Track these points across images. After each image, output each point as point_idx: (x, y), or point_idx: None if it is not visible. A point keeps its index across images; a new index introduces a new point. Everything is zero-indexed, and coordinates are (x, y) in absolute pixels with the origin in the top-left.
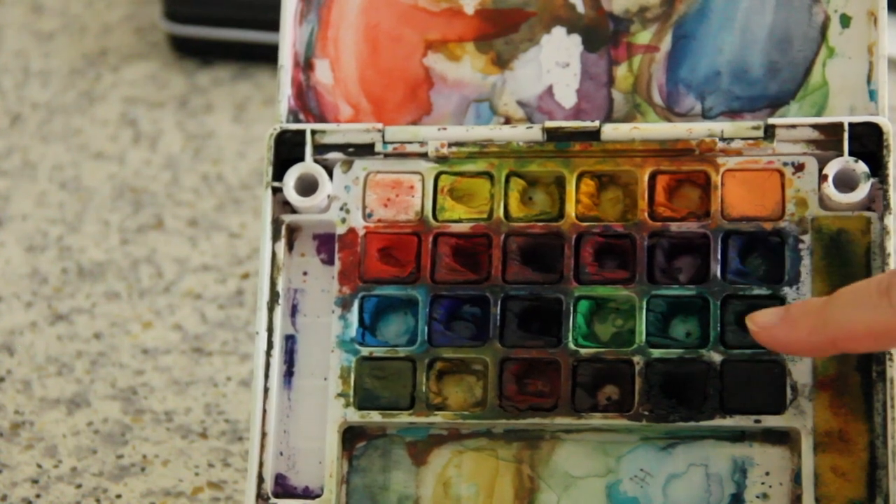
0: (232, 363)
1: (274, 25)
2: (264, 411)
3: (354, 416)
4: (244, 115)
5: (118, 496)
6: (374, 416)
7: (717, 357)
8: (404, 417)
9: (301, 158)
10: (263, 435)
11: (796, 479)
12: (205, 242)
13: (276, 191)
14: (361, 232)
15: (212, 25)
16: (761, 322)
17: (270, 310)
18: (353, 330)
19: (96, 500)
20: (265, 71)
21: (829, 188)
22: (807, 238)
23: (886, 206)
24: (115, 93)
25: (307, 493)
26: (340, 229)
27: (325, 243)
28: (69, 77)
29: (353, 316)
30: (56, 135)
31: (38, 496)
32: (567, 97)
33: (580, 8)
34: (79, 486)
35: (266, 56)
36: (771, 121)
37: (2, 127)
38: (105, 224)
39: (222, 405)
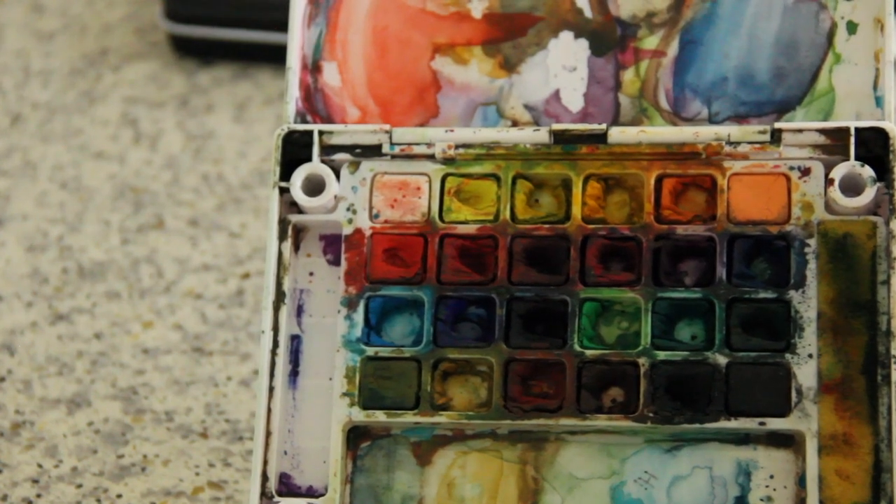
0: (232, 363)
1: (274, 25)
2: (269, 410)
3: (359, 415)
4: (244, 115)
5: (119, 496)
6: (379, 416)
7: (722, 360)
8: (409, 417)
9: (308, 159)
10: (268, 434)
11: (801, 482)
12: (205, 242)
13: (284, 191)
14: (368, 233)
15: (212, 25)
16: None
17: (276, 309)
18: (359, 330)
19: (97, 500)
20: (265, 71)
21: (835, 192)
22: (812, 242)
23: (892, 211)
24: (116, 93)
25: (311, 493)
26: (347, 230)
27: (332, 244)
28: (69, 77)
29: (359, 316)
30: (56, 135)
31: (38, 496)
32: (574, 101)
33: (588, 12)
34: (79, 486)
35: (266, 56)
36: (777, 125)
37: (2, 127)
38: (105, 224)
39: (223, 405)
